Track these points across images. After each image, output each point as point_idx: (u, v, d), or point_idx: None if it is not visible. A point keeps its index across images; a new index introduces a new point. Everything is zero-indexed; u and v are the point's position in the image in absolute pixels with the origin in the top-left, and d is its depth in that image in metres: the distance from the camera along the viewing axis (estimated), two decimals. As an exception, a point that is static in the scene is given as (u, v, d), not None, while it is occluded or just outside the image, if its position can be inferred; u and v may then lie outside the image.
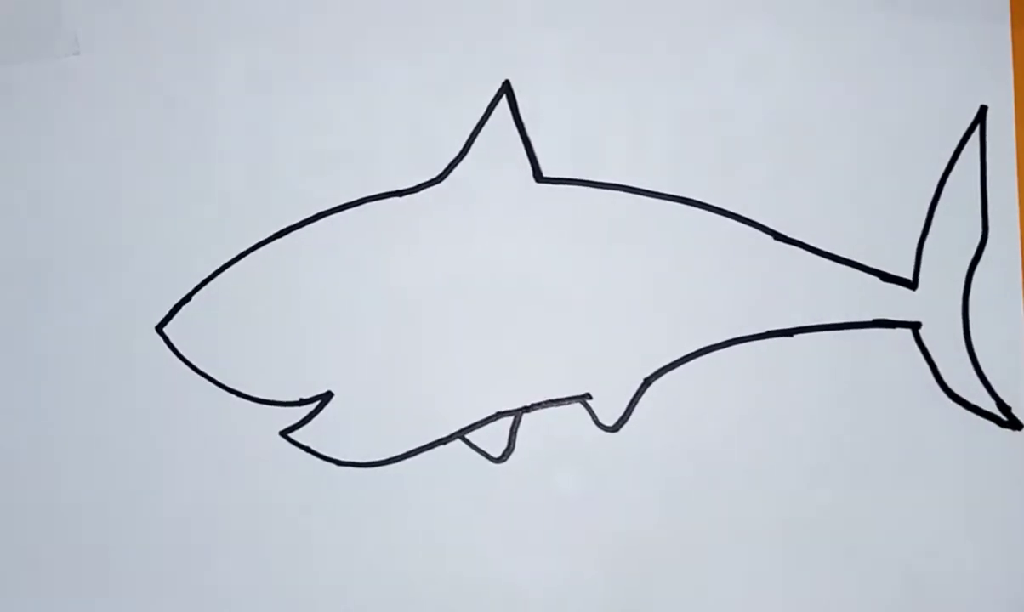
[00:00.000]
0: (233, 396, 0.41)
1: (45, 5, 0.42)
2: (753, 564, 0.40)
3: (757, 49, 0.39)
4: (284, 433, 0.41)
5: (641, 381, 0.40)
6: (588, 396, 0.40)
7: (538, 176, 0.40)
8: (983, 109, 0.39)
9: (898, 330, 0.40)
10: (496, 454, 0.40)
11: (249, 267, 0.41)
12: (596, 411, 0.40)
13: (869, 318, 0.40)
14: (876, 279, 0.40)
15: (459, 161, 0.41)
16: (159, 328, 0.42)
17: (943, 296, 0.39)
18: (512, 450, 0.40)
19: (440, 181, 0.41)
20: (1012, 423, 0.39)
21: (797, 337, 0.40)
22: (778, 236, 0.40)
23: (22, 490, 0.42)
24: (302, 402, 0.40)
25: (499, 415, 0.40)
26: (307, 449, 0.40)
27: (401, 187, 0.41)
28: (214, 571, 0.42)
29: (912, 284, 0.40)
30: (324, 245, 0.41)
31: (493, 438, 0.40)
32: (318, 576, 0.41)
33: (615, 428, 0.40)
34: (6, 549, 0.42)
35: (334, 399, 0.40)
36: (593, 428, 0.40)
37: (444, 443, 0.40)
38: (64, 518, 0.42)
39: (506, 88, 0.40)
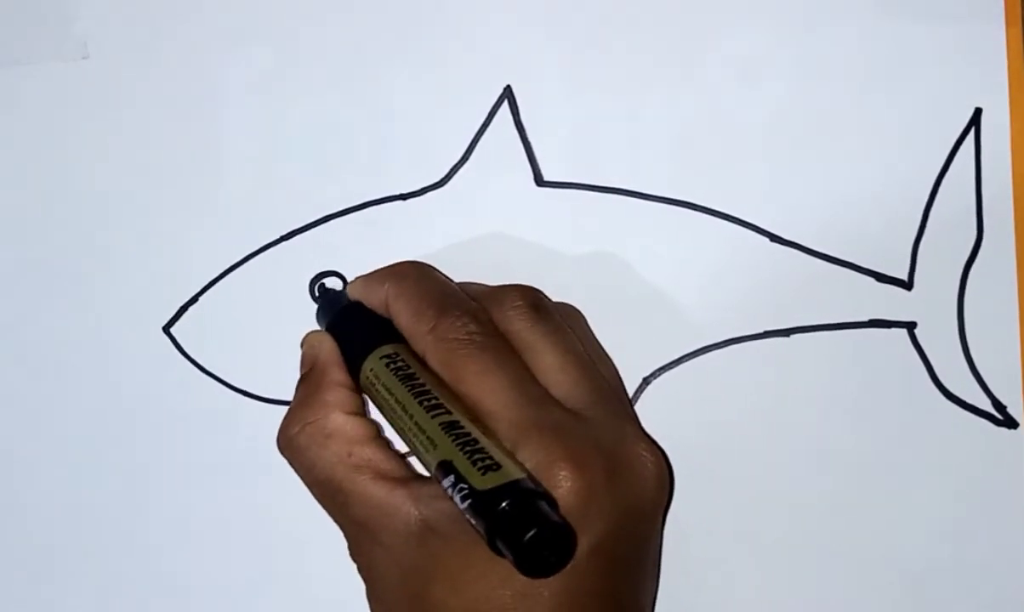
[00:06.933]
0: (241, 396, 0.42)
1: (54, 8, 0.42)
2: (751, 563, 0.40)
3: (753, 52, 0.40)
4: (290, 432, 0.41)
5: (640, 381, 0.40)
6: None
7: (539, 180, 0.41)
8: (978, 111, 0.39)
9: (894, 330, 0.40)
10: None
11: (256, 268, 0.42)
12: (596, 410, 0.40)
13: (865, 318, 0.40)
14: (872, 280, 0.40)
15: (461, 165, 0.41)
16: (166, 328, 0.42)
17: (938, 296, 0.40)
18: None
19: (442, 185, 0.41)
20: (1008, 422, 0.39)
21: (794, 337, 0.40)
22: (774, 238, 0.40)
23: (28, 491, 0.43)
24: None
25: (501, 414, 0.40)
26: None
27: (404, 191, 0.41)
28: (221, 571, 0.42)
29: (907, 285, 0.40)
30: (329, 247, 0.41)
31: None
32: (327, 576, 0.41)
33: (615, 427, 0.40)
34: (11, 550, 0.43)
35: (339, 399, 0.40)
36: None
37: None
38: (69, 519, 0.42)
39: (507, 93, 0.41)
